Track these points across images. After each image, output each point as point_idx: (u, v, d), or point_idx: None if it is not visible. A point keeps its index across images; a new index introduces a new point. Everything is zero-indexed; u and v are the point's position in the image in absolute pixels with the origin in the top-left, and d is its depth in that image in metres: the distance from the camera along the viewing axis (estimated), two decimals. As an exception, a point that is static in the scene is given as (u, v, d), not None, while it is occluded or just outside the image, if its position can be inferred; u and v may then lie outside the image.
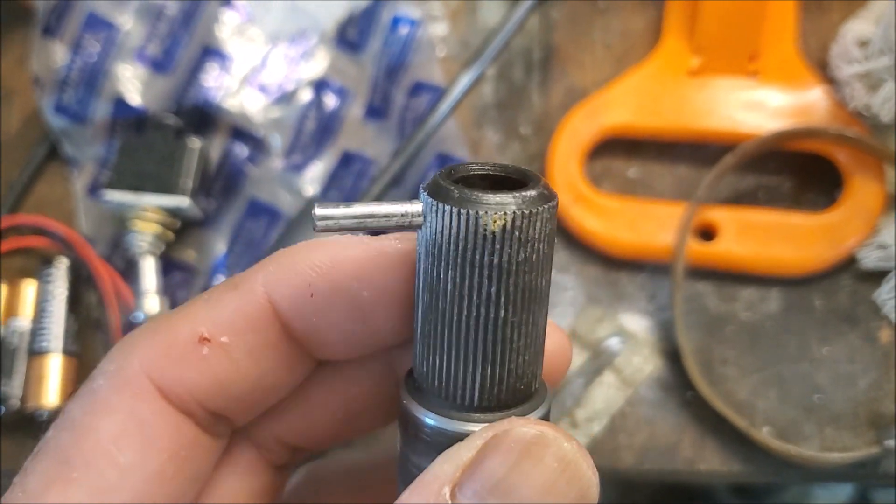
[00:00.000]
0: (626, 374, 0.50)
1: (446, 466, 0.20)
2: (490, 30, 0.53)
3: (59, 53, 0.56)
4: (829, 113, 0.52)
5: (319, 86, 0.56)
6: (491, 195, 0.20)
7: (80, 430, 0.23)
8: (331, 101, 0.56)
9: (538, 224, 0.20)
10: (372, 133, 0.55)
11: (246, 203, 0.55)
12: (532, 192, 0.21)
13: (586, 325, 0.51)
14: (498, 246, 0.20)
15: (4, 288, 0.52)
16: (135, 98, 0.55)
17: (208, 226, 0.55)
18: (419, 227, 0.21)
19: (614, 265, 0.52)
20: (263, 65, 0.56)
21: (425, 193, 0.21)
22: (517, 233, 0.20)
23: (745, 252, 0.51)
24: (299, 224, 0.50)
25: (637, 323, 0.51)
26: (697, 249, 0.51)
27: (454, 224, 0.20)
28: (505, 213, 0.20)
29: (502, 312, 0.21)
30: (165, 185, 0.52)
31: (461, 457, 0.20)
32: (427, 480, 0.20)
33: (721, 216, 0.52)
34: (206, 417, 0.25)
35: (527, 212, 0.20)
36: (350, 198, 0.55)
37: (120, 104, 0.55)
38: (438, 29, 0.56)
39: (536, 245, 0.21)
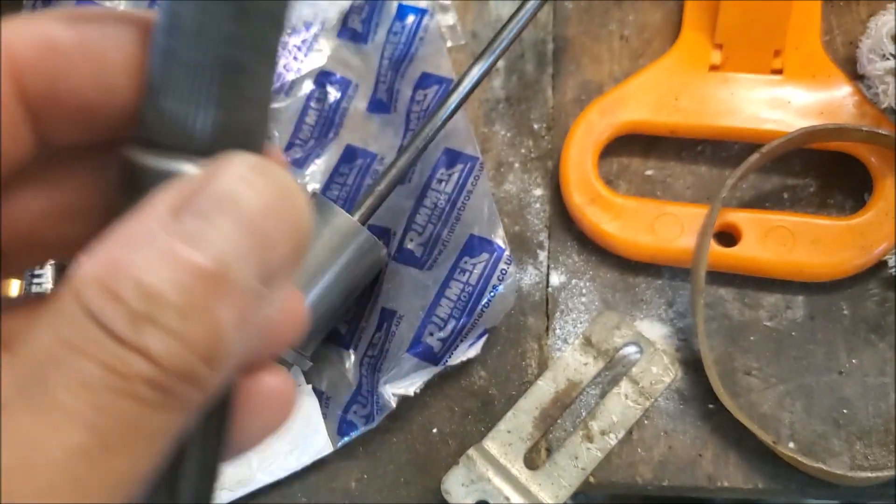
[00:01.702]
0: (644, 385, 0.47)
1: (165, 194, 0.18)
2: (501, 20, 0.50)
3: (46, 40, 0.53)
4: (858, 111, 0.49)
5: (321, 77, 0.53)
6: None
7: None
8: (333, 93, 0.53)
9: None
10: (376, 127, 0.53)
11: (242, 199, 0.52)
12: None
13: (602, 333, 0.48)
14: None
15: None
16: (126, 87, 0.52)
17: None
18: None
19: (631, 269, 0.50)
20: (262, 54, 0.53)
21: None
22: None
23: (768, 256, 0.48)
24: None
25: (655, 330, 0.49)
26: (719, 253, 0.48)
27: None
28: None
29: (239, 54, 0.20)
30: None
31: (184, 183, 0.18)
32: (142, 208, 0.18)
33: (743, 219, 0.49)
34: None
35: None
36: (353, 194, 0.52)
37: (110, 94, 0.52)
38: (447, 19, 0.54)
39: None
